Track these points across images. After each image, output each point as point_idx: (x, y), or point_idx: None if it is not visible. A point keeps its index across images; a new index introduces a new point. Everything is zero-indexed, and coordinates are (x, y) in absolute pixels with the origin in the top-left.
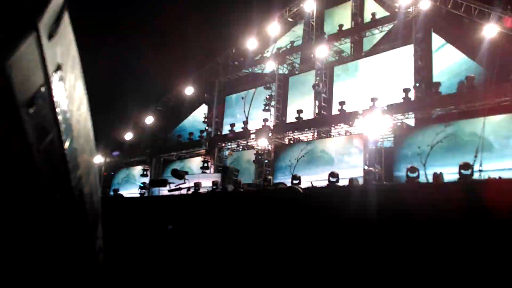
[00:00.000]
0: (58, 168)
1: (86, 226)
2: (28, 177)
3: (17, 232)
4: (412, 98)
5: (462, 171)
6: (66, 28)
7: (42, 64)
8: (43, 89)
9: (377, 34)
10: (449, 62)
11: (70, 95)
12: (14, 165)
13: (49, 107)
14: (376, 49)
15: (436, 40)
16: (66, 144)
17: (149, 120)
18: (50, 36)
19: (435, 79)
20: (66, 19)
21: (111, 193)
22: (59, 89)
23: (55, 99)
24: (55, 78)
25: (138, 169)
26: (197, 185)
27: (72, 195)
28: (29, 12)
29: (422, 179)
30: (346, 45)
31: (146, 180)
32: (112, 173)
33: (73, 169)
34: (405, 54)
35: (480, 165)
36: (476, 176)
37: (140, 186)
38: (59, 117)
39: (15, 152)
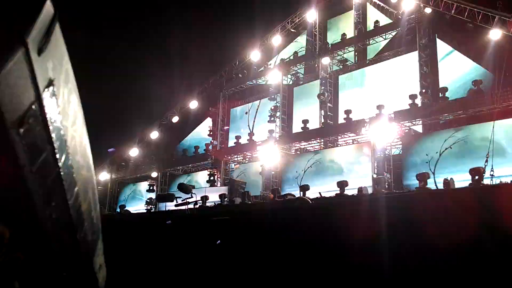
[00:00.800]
0: (53, 188)
1: (85, 244)
2: (21, 200)
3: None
4: (419, 105)
5: (474, 176)
6: (58, 41)
7: (32, 80)
8: (34, 106)
9: (381, 42)
10: (456, 69)
11: (63, 110)
12: (5, 189)
13: (42, 125)
14: (380, 57)
15: (442, 46)
16: (61, 163)
17: (154, 135)
18: (40, 50)
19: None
20: (57, 31)
21: (118, 209)
22: (52, 106)
23: (47, 116)
24: (46, 94)
25: (144, 185)
26: (204, 199)
27: (69, 214)
28: (17, 27)
29: (431, 186)
30: (350, 54)
31: (153, 195)
32: (118, 190)
33: (70, 187)
34: (410, 61)
35: (492, 170)
36: (487, 181)
37: (146, 201)
38: (53, 135)
39: (5, 176)
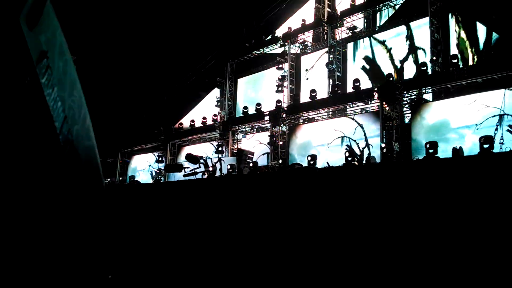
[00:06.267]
0: (55, 156)
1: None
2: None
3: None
4: (429, 72)
5: (483, 145)
6: (50, 16)
7: (25, 54)
8: (29, 78)
9: (391, 8)
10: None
11: (60, 81)
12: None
13: (38, 95)
14: (390, 24)
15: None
16: (59, 131)
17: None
18: (32, 25)
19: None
20: (49, 7)
21: (127, 180)
22: (47, 77)
23: (43, 87)
24: (41, 66)
25: (153, 156)
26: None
27: (76, 182)
28: (8, 4)
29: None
30: (359, 21)
31: (162, 166)
32: (128, 160)
33: (72, 154)
34: (421, 27)
35: (502, 138)
36: (497, 150)
37: (155, 172)
38: (50, 105)
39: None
